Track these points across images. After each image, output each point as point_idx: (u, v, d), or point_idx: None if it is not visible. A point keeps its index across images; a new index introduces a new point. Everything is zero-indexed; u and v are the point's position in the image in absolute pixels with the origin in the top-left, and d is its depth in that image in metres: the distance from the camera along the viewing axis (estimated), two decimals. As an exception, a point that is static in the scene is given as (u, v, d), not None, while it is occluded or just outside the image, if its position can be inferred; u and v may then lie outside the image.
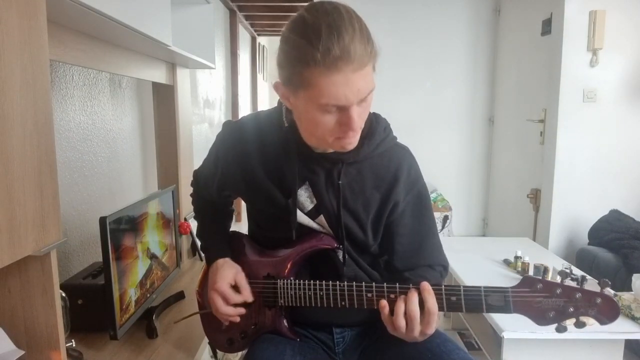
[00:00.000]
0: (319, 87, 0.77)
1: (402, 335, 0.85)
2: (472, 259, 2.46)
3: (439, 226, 3.96)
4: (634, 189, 3.06)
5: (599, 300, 0.77)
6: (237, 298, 0.96)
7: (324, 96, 0.77)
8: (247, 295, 0.97)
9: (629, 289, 1.95)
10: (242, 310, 0.98)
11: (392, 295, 0.86)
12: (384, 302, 0.85)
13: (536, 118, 3.29)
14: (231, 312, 0.97)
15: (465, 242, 3.13)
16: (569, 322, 0.80)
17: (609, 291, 0.79)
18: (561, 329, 0.80)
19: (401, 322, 0.83)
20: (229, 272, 0.98)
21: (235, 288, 0.98)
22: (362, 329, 1.06)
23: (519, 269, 2.23)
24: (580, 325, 0.79)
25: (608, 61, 2.93)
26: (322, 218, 0.96)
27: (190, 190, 1.19)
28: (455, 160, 4.32)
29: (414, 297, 0.83)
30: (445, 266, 1.03)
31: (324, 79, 0.76)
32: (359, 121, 0.82)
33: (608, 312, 0.77)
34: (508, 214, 3.92)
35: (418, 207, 0.99)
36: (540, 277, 0.81)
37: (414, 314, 0.82)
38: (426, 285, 0.84)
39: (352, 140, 0.86)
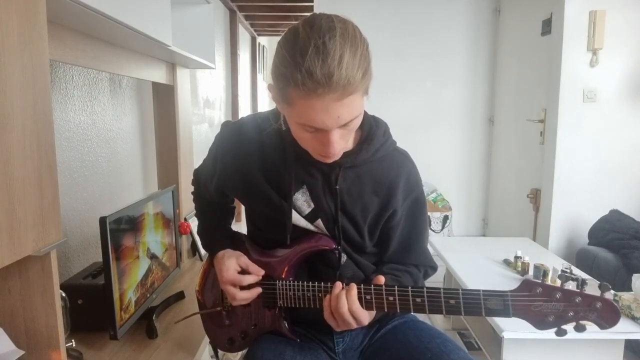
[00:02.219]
0: (299, 108, 0.76)
1: (342, 328, 0.89)
2: (472, 259, 2.46)
3: (439, 226, 3.96)
4: (634, 189, 3.05)
5: (599, 304, 0.77)
6: (248, 279, 0.96)
7: (302, 117, 0.77)
8: (257, 271, 0.98)
9: (629, 289, 1.95)
10: (258, 290, 0.98)
11: (391, 298, 0.86)
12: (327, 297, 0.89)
13: (536, 118, 3.29)
14: (248, 295, 0.97)
15: (465, 242, 3.13)
16: (569, 326, 0.80)
17: (610, 295, 0.79)
18: (561, 333, 0.79)
19: (332, 321, 0.88)
20: (230, 261, 0.98)
21: (243, 273, 0.98)
22: (362, 330, 1.06)
23: (519, 269, 2.23)
24: (580, 329, 0.79)
25: (608, 61, 2.93)
26: (319, 222, 0.95)
27: (191, 188, 1.20)
28: (455, 160, 4.32)
29: (341, 298, 0.86)
30: (433, 267, 1.05)
31: (303, 102, 0.74)
32: (339, 143, 0.81)
33: (608, 316, 0.77)
34: (508, 214, 3.92)
35: (413, 212, 0.99)
36: (540, 281, 0.81)
37: (342, 309, 0.85)
38: (350, 286, 0.87)
39: (333, 158, 0.85)
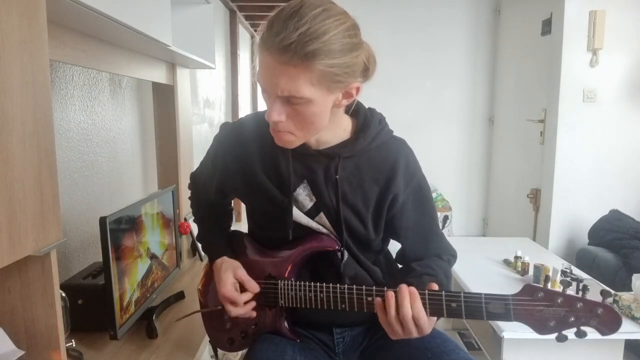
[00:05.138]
0: (258, 62, 0.80)
1: (401, 336, 0.84)
2: (472, 259, 2.46)
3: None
4: (634, 189, 3.05)
5: (600, 310, 0.77)
6: (243, 297, 0.96)
7: (258, 72, 0.81)
8: (252, 288, 0.97)
9: (629, 289, 1.95)
10: (254, 305, 0.97)
11: None
12: (379, 300, 0.85)
13: (536, 118, 3.29)
14: (244, 311, 0.96)
15: (465, 242, 3.13)
16: (570, 331, 0.80)
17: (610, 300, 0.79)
18: (562, 338, 0.79)
19: (396, 325, 0.83)
20: (227, 275, 0.97)
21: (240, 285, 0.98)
22: (362, 330, 1.06)
23: (519, 269, 2.23)
24: (581, 334, 0.79)
25: (608, 61, 2.93)
26: (322, 216, 0.95)
27: (189, 192, 1.19)
28: (455, 160, 4.32)
29: (405, 301, 0.82)
30: (453, 255, 1.04)
31: (259, 52, 0.79)
32: (281, 117, 0.81)
33: (609, 322, 0.77)
34: (508, 214, 3.92)
35: (419, 199, 0.99)
36: (542, 286, 0.81)
37: (407, 317, 0.81)
38: (411, 290, 0.82)
39: (282, 138, 0.86)
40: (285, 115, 0.81)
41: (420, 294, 0.83)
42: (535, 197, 3.30)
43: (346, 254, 0.97)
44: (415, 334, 0.83)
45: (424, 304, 0.83)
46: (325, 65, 0.76)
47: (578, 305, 0.78)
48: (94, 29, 1.15)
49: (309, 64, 0.75)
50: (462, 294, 0.82)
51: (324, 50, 0.75)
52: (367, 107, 0.99)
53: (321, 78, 0.77)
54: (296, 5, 0.76)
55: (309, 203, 0.95)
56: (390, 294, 0.83)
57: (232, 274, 0.97)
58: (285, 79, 0.76)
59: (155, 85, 1.89)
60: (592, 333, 0.79)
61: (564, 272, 2.07)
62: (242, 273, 0.98)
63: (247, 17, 3.43)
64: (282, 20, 0.75)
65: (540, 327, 0.80)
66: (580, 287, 0.80)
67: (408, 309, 0.81)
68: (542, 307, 0.79)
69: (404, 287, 0.83)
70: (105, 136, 1.58)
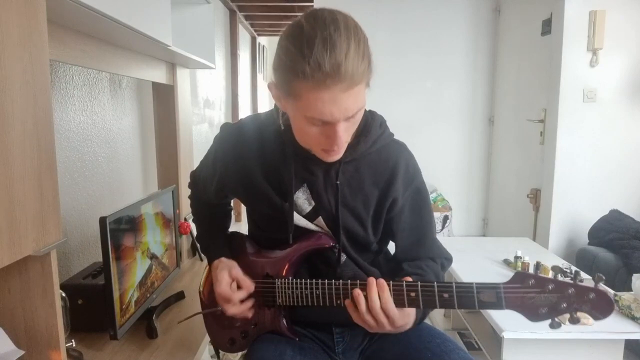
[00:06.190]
0: (306, 101, 0.76)
1: (377, 329, 0.85)
2: (472, 259, 2.45)
3: (439, 226, 3.95)
4: (634, 189, 3.05)
5: (592, 295, 0.76)
6: (238, 295, 0.96)
7: (310, 110, 0.77)
8: (248, 286, 0.97)
9: (629, 289, 1.95)
10: (250, 303, 0.98)
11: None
12: (349, 301, 0.86)
13: (536, 118, 3.29)
14: (240, 310, 0.97)
15: (465, 242, 3.13)
16: (563, 318, 0.79)
17: (604, 287, 0.78)
18: (555, 325, 0.78)
19: (367, 316, 0.83)
20: (223, 274, 0.98)
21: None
22: (362, 329, 1.05)
23: (519, 269, 2.23)
24: (574, 321, 0.78)
25: (608, 61, 2.93)
26: (320, 220, 0.95)
27: (189, 192, 1.19)
28: (455, 160, 4.32)
29: (372, 293, 0.83)
30: (448, 258, 1.04)
31: (312, 94, 0.74)
32: (344, 136, 0.81)
33: (602, 307, 0.75)
34: (508, 214, 3.92)
35: (417, 203, 0.99)
36: (533, 273, 0.80)
37: (376, 308, 0.82)
38: (379, 282, 0.84)
39: (337, 153, 0.86)
40: (345, 131, 0.82)
41: (412, 285, 0.83)
42: (535, 197, 3.30)
43: (343, 256, 0.97)
44: (387, 326, 0.84)
45: (416, 296, 0.83)
46: (371, 67, 0.78)
47: (569, 291, 0.76)
48: (94, 29, 1.15)
49: (366, 75, 0.76)
50: (453, 284, 0.82)
51: (367, 55, 0.76)
52: (367, 109, 0.98)
53: (368, 79, 0.79)
54: (322, 30, 0.73)
55: (307, 207, 0.95)
56: (357, 292, 0.84)
57: (227, 273, 0.98)
58: (352, 100, 0.76)
59: (155, 85, 1.89)
60: (591, 333, 0.78)
61: (563, 272, 2.07)
62: (238, 272, 0.99)
63: (247, 17, 3.43)
64: (319, 52, 0.72)
65: (532, 314, 0.79)
66: (572, 273, 0.79)
67: (376, 300, 0.82)
68: (534, 294, 0.78)
69: (371, 280, 0.84)
70: (105, 136, 1.58)
